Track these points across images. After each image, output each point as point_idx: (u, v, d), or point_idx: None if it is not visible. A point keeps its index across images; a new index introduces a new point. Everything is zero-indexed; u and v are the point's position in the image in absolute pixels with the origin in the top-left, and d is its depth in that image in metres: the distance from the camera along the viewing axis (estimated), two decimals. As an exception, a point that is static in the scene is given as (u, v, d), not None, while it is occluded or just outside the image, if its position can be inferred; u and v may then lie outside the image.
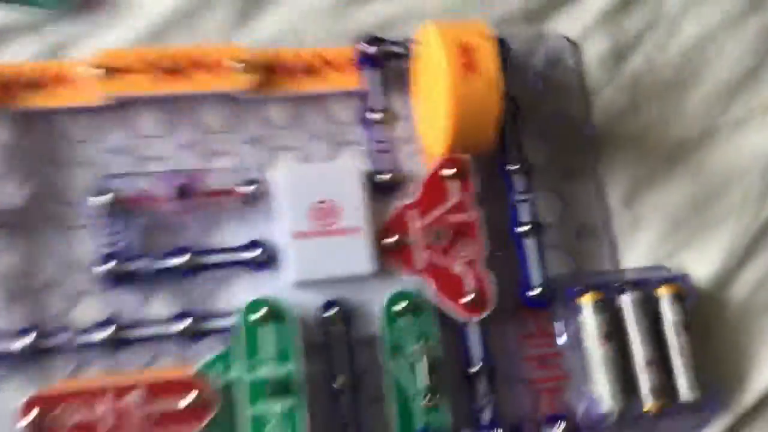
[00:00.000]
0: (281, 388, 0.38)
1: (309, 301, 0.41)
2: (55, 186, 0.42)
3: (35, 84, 0.42)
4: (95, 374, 0.40)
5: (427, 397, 0.40)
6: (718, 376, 0.44)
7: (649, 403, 0.42)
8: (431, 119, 0.42)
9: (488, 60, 0.38)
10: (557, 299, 0.43)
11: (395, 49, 0.44)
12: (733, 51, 0.50)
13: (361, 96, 0.45)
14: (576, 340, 0.43)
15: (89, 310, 0.41)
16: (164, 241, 0.42)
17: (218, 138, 0.44)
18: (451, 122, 0.38)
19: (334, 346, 0.41)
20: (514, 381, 0.43)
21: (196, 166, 0.43)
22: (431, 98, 0.41)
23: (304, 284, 0.41)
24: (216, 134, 0.44)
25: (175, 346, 0.40)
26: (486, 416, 0.41)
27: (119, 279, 0.40)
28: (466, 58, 0.38)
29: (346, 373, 0.40)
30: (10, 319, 0.40)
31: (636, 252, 0.46)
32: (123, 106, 0.43)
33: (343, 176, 0.42)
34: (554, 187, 0.46)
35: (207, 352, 0.40)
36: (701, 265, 0.46)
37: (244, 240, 0.42)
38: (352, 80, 0.45)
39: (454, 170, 0.43)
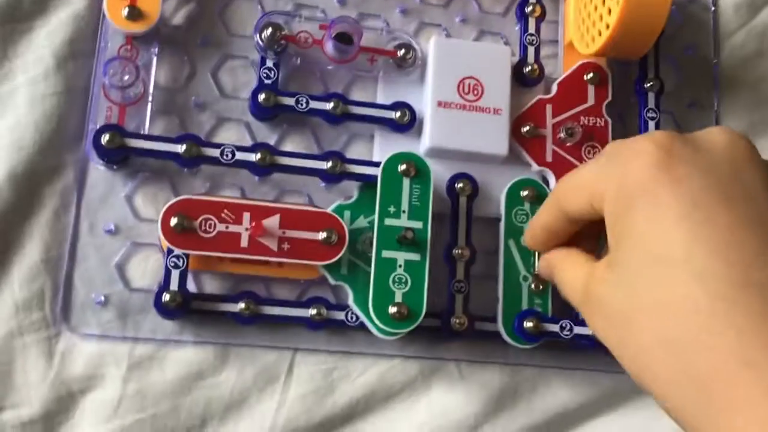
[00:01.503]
0: (410, 239, 0.39)
1: (440, 172, 0.42)
2: (215, 14, 0.43)
3: None
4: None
5: (536, 283, 0.42)
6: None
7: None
8: (591, 20, 0.43)
9: (666, -32, 0.39)
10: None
11: (560, -52, 0.46)
12: None
13: (515, -10, 0.47)
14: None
15: (232, 135, 0.42)
16: (314, 86, 0.43)
17: (374, 1, 0.45)
18: (618, 21, 0.39)
19: (458, 217, 0.42)
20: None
21: (351, 22, 0.44)
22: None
23: (439, 152, 0.42)
24: (373, -3, 0.46)
25: (308, 185, 0.42)
26: (584, 311, 0.43)
27: (265, 112, 0.42)
28: (646, -39, 0.39)
29: (465, 243, 0.42)
30: (165, 127, 0.41)
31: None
32: (292, -50, 0.44)
33: (494, 58, 0.44)
34: (678, 114, 0.48)
35: (337, 197, 0.42)
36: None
37: (389, 100, 0.43)
38: (510, -27, 0.46)
39: (593, 75, 0.45)
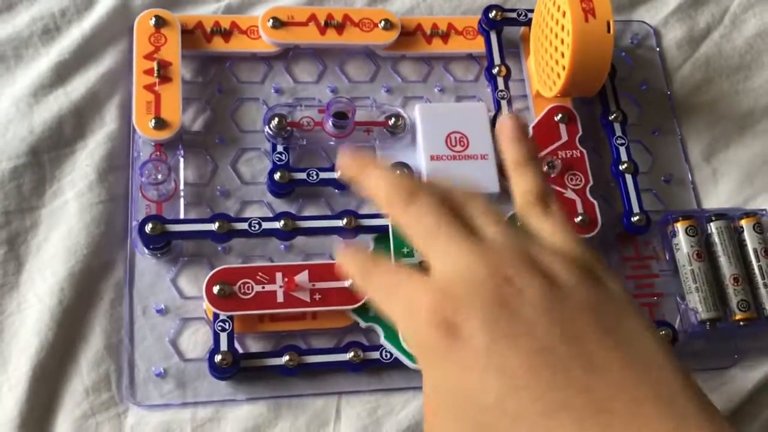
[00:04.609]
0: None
1: (442, 216, 0.48)
2: (227, 117, 0.50)
3: (215, 33, 0.51)
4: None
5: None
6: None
7: (737, 314, 0.48)
8: (549, 67, 0.49)
9: (604, 8, 0.46)
10: (653, 228, 0.50)
11: (512, 15, 0.53)
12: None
13: (481, 58, 0.54)
14: (672, 261, 0.49)
15: (255, 214, 0.48)
16: (320, 162, 0.49)
17: (360, 86, 0.52)
18: (572, 60, 0.46)
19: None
20: (617, 296, 0.49)
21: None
22: (550, 48, 0.49)
23: (439, 200, 0.48)
24: (358, 83, 0.53)
25: (329, 247, 0.47)
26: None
27: (281, 188, 0.47)
28: (586, 5, 0.46)
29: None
30: (198, 216, 0.47)
31: (716, 199, 0.53)
32: (284, 54, 0.52)
33: (472, 113, 0.50)
34: (644, 141, 0.54)
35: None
36: (774, 210, 0.53)
37: (388, 162, 0.49)
38: (474, 44, 0.53)
39: (562, 115, 0.51)
